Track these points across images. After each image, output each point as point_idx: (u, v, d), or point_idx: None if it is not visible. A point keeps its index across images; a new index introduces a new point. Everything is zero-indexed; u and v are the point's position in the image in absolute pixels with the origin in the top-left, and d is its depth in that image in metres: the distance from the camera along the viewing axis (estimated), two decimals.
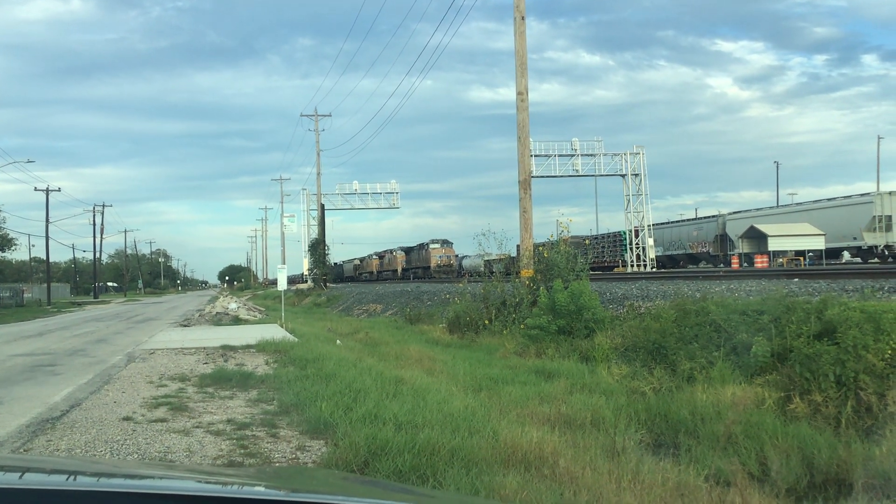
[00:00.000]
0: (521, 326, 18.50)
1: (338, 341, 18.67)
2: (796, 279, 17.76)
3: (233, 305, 27.50)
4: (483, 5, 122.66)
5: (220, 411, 8.37)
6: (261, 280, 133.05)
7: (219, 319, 25.88)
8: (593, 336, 15.39)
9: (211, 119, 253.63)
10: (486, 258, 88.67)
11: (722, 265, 48.99)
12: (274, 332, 19.73)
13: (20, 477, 1.91)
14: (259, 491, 1.92)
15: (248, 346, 15.49)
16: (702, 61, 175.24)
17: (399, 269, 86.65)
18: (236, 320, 25.72)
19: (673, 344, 12.23)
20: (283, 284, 23.69)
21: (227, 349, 15.14)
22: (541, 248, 21.14)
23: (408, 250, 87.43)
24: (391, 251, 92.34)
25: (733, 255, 50.30)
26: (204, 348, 15.54)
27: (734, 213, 56.19)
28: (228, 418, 7.94)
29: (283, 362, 12.64)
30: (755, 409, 9.19)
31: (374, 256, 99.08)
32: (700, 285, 18.40)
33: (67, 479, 1.99)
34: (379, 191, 77.78)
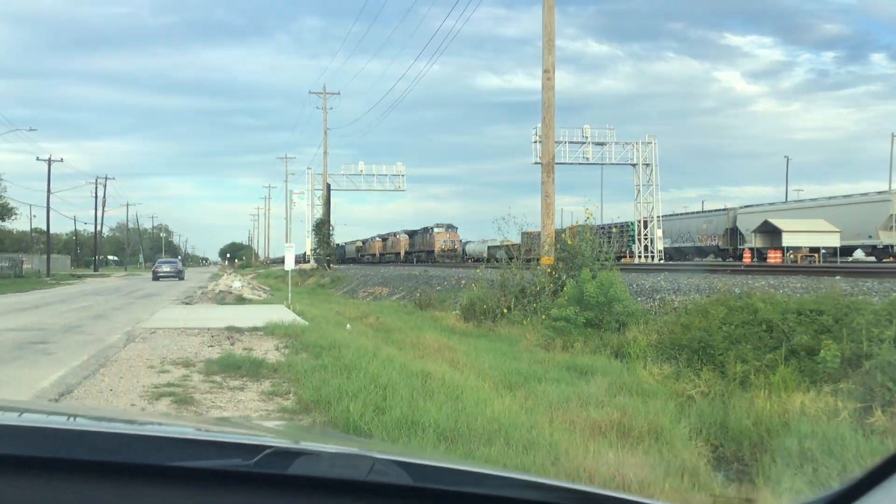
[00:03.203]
0: (543, 317, 17.54)
1: (348, 325, 17.71)
2: (839, 276, 16.73)
3: (236, 284, 26.51)
4: None
5: (230, 405, 7.37)
6: (262, 259, 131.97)
7: (222, 298, 24.92)
8: (624, 330, 14.41)
9: (217, 96, 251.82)
10: (489, 244, 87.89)
11: (731, 259, 48.15)
12: (281, 313, 18.78)
13: (19, 415, 1.88)
14: (265, 439, 1.79)
15: (256, 329, 14.51)
16: (710, 54, 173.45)
17: (402, 253, 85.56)
18: (240, 299, 24.76)
19: (720, 343, 11.23)
20: (290, 264, 22.65)
21: (233, 331, 14.15)
22: (563, 235, 20.13)
23: (412, 234, 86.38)
24: (395, 234, 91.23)
25: (745, 249, 49.38)
26: (208, 329, 14.55)
27: (745, 206, 55.20)
28: (240, 415, 6.95)
29: (295, 348, 11.65)
30: (828, 421, 8.20)
31: (377, 239, 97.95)
32: (731, 280, 17.41)
33: (68, 420, 2.01)
34: (385, 173, 76.67)
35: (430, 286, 30.92)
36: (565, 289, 16.22)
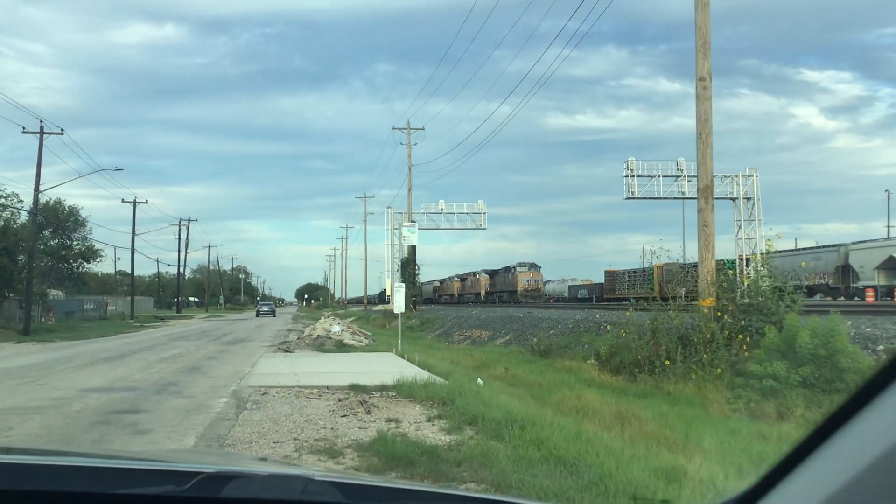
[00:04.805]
0: (719, 371, 14.35)
1: (479, 381, 14.79)
2: None
3: (336, 328, 23.98)
4: (563, 33, 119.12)
5: None
6: (337, 299, 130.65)
7: (321, 344, 22.38)
8: None
9: (292, 141, 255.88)
10: (570, 283, 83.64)
11: (842, 298, 44.28)
12: (399, 365, 16.10)
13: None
14: (204, 466, 1.73)
15: (385, 388, 11.75)
16: (786, 90, 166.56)
17: (483, 293, 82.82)
18: (340, 345, 22.19)
19: None
20: (399, 306, 19.81)
21: (360, 391, 11.43)
22: (731, 272, 16.91)
23: (492, 273, 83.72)
24: (474, 274, 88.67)
25: (866, 287, 45.12)
26: (327, 388, 11.86)
27: (858, 242, 50.86)
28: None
29: (456, 421, 8.78)
30: None
31: (456, 279, 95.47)
32: None
33: (29, 457, 2.07)
34: (465, 211, 74.34)
35: (540, 329, 27.84)
36: (766, 338, 12.95)
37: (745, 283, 15.88)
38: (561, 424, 8.08)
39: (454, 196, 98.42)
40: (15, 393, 11.79)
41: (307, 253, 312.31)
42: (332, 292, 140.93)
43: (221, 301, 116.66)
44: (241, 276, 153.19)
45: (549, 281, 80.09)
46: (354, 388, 11.75)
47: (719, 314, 16.01)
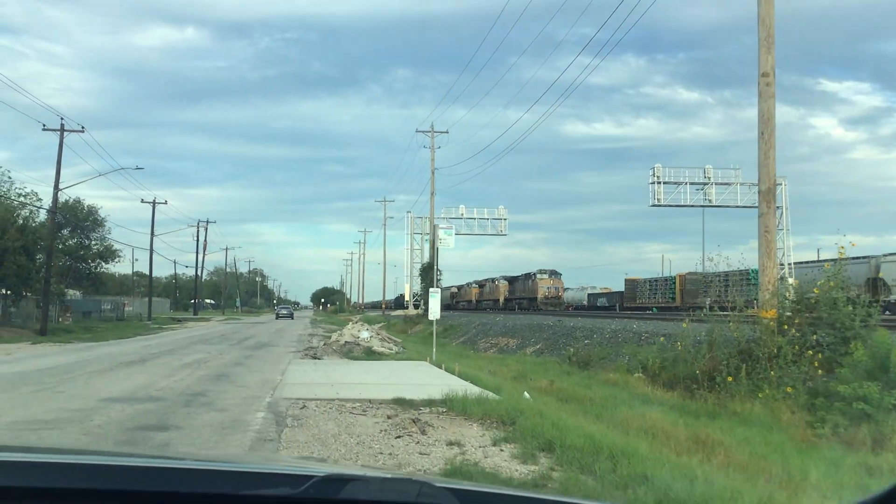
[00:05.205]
0: (789, 389, 13.24)
1: (526, 394, 13.72)
2: None
3: (364, 334, 22.91)
4: (583, 41, 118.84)
5: None
6: (354, 303, 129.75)
7: (349, 350, 21.34)
8: None
9: (311, 144, 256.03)
10: (589, 291, 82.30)
11: None
12: (438, 375, 15.09)
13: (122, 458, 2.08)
14: (316, 469, 1.77)
15: (433, 403, 10.70)
16: (805, 101, 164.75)
17: (501, 300, 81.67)
18: (370, 352, 21.13)
19: None
20: (435, 312, 18.71)
21: (406, 406, 10.38)
22: (796, 282, 15.75)
23: (511, 280, 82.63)
24: (493, 280, 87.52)
25: None
26: (370, 402, 10.81)
27: (890, 254, 49.33)
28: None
29: (524, 445, 7.72)
30: None
31: (474, 285, 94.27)
32: None
33: (152, 460, 2.09)
34: (486, 217, 73.33)
35: (573, 338, 26.64)
36: (853, 354, 11.80)
37: (816, 293, 14.65)
38: (660, 458, 6.96)
39: (470, 202, 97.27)
40: (29, 402, 10.80)
41: (323, 257, 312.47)
42: (348, 297, 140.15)
43: (238, 304, 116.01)
44: (258, 279, 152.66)
45: (568, 288, 79.12)
46: (400, 402, 10.70)
47: (785, 327, 14.85)
